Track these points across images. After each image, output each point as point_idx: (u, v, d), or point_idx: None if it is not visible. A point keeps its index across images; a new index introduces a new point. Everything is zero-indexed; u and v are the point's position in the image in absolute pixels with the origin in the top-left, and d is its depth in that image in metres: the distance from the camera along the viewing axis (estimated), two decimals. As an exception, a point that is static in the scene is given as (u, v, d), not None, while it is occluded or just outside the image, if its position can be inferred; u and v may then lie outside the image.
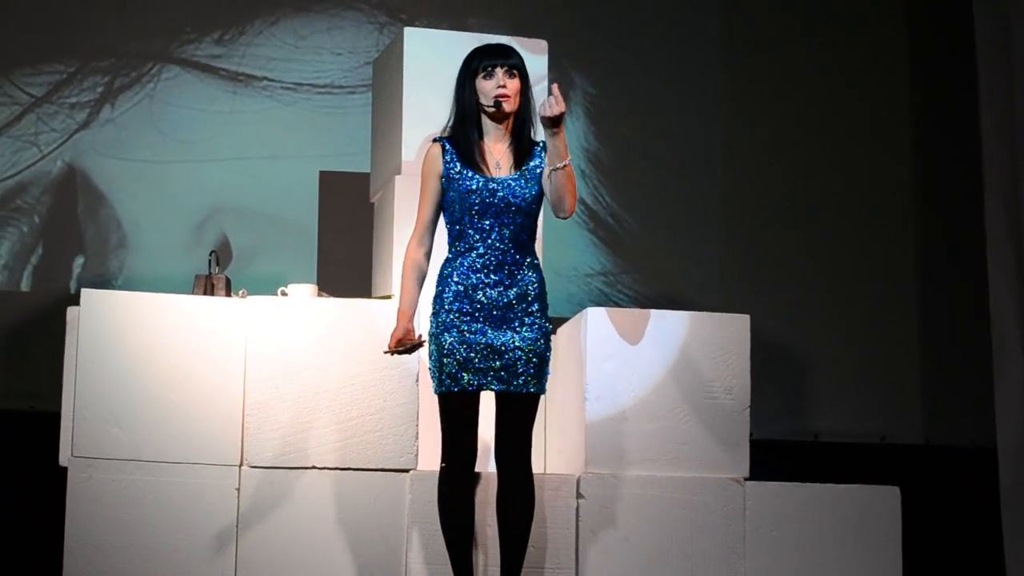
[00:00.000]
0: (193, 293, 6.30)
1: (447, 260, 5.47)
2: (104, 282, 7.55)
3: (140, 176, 7.74)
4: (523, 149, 5.45)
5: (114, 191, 7.74)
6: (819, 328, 8.18)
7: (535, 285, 5.44)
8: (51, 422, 6.15)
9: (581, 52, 8.12)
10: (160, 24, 7.83)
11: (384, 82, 6.81)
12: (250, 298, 6.06)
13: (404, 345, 5.42)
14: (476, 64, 5.42)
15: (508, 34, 6.61)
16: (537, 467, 5.60)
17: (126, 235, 7.71)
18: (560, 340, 6.24)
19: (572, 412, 6.14)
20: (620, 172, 8.14)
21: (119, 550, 5.77)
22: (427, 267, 5.48)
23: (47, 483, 6.22)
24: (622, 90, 8.20)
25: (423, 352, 5.53)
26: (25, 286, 7.66)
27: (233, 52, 7.89)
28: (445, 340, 5.38)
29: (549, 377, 5.47)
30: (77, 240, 7.71)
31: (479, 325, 5.38)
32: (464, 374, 5.36)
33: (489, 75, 5.40)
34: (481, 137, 5.46)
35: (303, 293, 6.20)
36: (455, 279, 5.40)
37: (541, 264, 5.54)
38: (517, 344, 5.38)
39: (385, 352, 5.45)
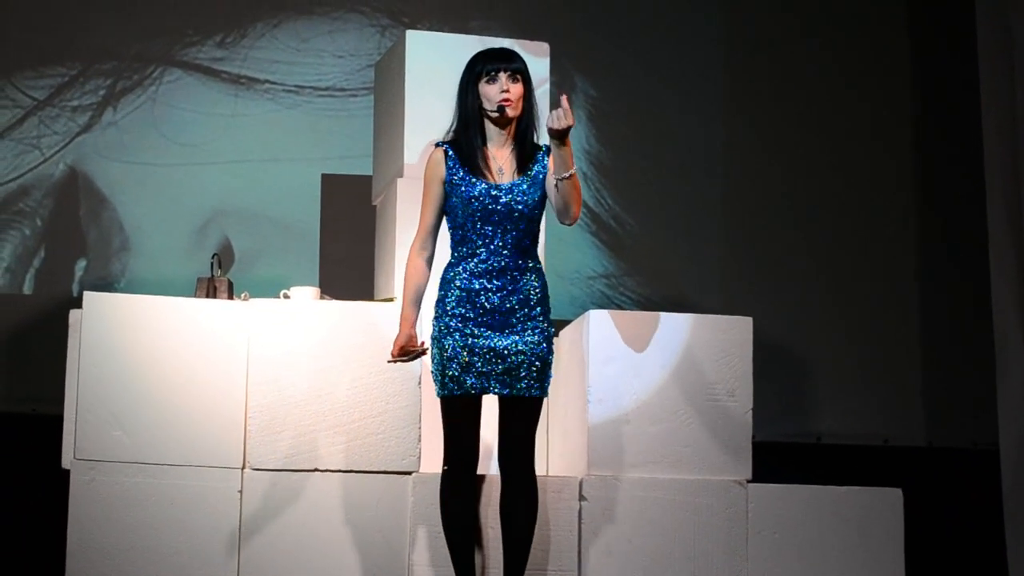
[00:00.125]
0: (195, 296, 6.30)
1: (449, 264, 5.47)
2: (106, 285, 7.55)
3: (142, 179, 7.74)
4: (526, 154, 5.44)
5: (116, 194, 7.74)
6: (819, 328, 8.18)
7: (537, 290, 5.44)
8: (53, 425, 6.16)
9: (582, 53, 8.11)
10: (162, 27, 7.83)
11: (386, 85, 6.81)
12: (252, 301, 6.06)
13: (407, 353, 5.42)
14: (479, 68, 5.40)
15: (509, 36, 6.61)
16: (540, 469, 5.60)
17: (128, 238, 7.71)
18: (562, 342, 6.24)
19: (574, 414, 6.14)
20: (621, 173, 8.14)
21: (121, 552, 5.78)
22: (429, 272, 5.47)
23: (49, 486, 6.23)
24: (622, 91, 8.20)
25: (425, 355, 5.53)
26: (27, 289, 7.66)
27: (235, 55, 7.89)
28: (447, 344, 5.38)
29: (551, 380, 5.48)
30: (79, 243, 7.71)
31: (482, 329, 5.38)
32: (466, 377, 5.36)
33: (492, 80, 5.39)
34: (484, 142, 5.44)
35: (305, 296, 6.21)
36: (457, 284, 5.40)
37: (543, 268, 5.54)
38: (520, 348, 5.38)
39: (389, 361, 5.46)
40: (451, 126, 5.47)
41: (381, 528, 5.87)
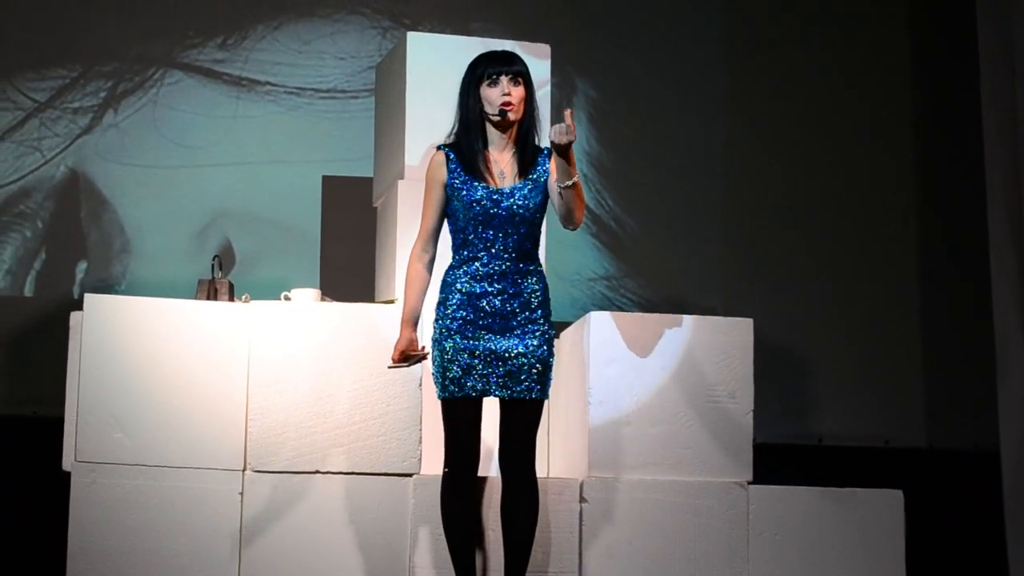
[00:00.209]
0: (196, 298, 6.30)
1: (451, 267, 5.47)
2: (107, 287, 7.54)
3: (143, 181, 7.73)
4: (527, 157, 5.44)
5: (117, 196, 7.73)
6: (820, 329, 8.17)
7: (539, 293, 5.44)
8: (54, 427, 6.15)
9: (582, 54, 8.11)
10: (163, 29, 7.82)
11: (387, 86, 6.81)
12: (253, 303, 6.06)
13: (408, 358, 5.42)
14: (480, 71, 5.40)
15: (510, 38, 6.61)
16: (540, 471, 5.60)
17: (129, 240, 7.71)
18: (563, 344, 6.24)
19: (575, 416, 6.14)
20: (621, 174, 8.14)
21: (122, 555, 5.78)
22: (430, 276, 5.47)
23: (50, 488, 6.23)
24: (622, 91, 8.20)
25: (426, 359, 5.52)
26: (28, 291, 7.65)
27: (236, 57, 7.88)
28: (448, 346, 5.38)
29: (552, 382, 5.48)
30: (80, 245, 7.70)
31: (483, 332, 5.38)
32: (467, 380, 5.37)
33: (494, 83, 5.38)
34: (485, 146, 5.44)
35: (306, 298, 6.21)
36: (459, 287, 5.40)
37: (544, 270, 5.54)
38: (521, 350, 5.38)
39: (389, 367, 5.46)
40: (452, 129, 5.47)
41: (382, 530, 5.87)
